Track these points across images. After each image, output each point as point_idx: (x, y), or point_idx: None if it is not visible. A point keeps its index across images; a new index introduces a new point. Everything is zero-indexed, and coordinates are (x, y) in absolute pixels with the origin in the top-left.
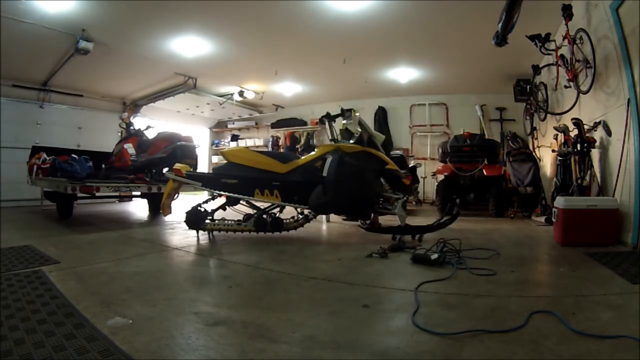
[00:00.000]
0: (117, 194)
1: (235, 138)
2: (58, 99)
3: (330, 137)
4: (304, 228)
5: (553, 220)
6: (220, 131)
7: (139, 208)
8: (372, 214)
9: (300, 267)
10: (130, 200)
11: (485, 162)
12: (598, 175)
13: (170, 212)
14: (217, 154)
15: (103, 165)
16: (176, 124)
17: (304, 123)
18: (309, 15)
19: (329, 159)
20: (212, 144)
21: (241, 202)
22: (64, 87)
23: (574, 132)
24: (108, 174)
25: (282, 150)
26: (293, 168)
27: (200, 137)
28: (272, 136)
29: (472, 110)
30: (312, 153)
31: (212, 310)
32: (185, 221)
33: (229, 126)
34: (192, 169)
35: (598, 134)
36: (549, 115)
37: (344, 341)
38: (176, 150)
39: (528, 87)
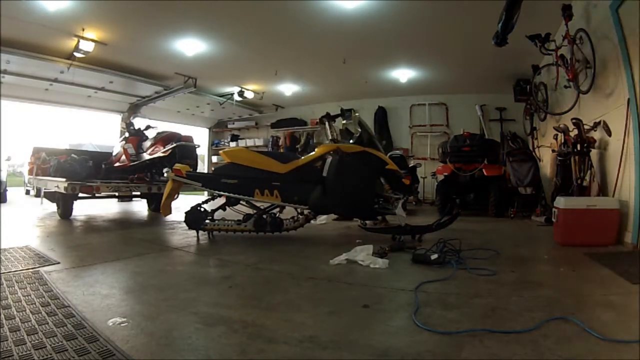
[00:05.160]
0: (117, 194)
1: (235, 138)
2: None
3: (330, 137)
4: (304, 228)
5: (553, 220)
6: (220, 131)
7: (139, 208)
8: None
9: (300, 267)
10: (130, 200)
11: (485, 162)
12: (598, 175)
13: (170, 212)
14: (217, 154)
15: (103, 165)
16: (176, 124)
17: (304, 123)
18: (309, 15)
19: (329, 159)
20: (212, 144)
21: (241, 202)
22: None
23: (574, 132)
24: (108, 174)
25: (282, 150)
26: (293, 168)
27: (200, 137)
28: (272, 136)
29: (472, 110)
30: (312, 153)
31: (212, 310)
32: (185, 221)
33: (229, 126)
34: (192, 169)
35: (598, 134)
36: (548, 115)
37: (344, 341)
38: (176, 151)
39: (528, 87)
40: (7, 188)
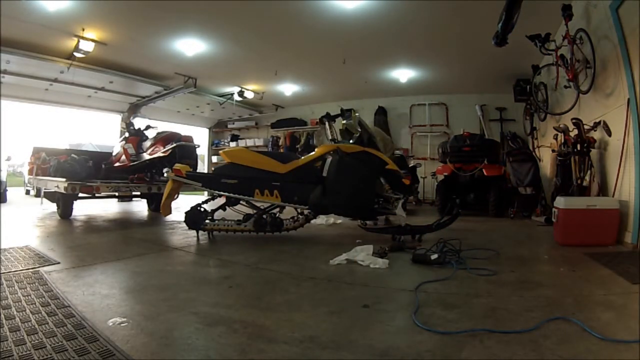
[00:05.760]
0: (117, 194)
1: (235, 138)
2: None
3: (330, 137)
4: (304, 228)
5: (553, 220)
6: (220, 131)
7: (139, 208)
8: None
9: (300, 267)
10: (130, 200)
11: (485, 162)
12: (598, 175)
13: (170, 212)
14: (217, 154)
15: (103, 165)
16: (176, 124)
17: (304, 123)
18: (309, 15)
19: (329, 159)
20: (212, 144)
21: (241, 202)
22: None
23: (574, 132)
24: (108, 174)
25: (282, 150)
26: (293, 168)
27: (200, 137)
28: (272, 136)
29: (472, 110)
30: (312, 153)
31: (212, 310)
32: (185, 221)
33: (229, 126)
34: (192, 169)
35: (598, 134)
36: (549, 115)
37: (344, 341)
38: (176, 151)
39: (528, 87)
40: (7, 188)
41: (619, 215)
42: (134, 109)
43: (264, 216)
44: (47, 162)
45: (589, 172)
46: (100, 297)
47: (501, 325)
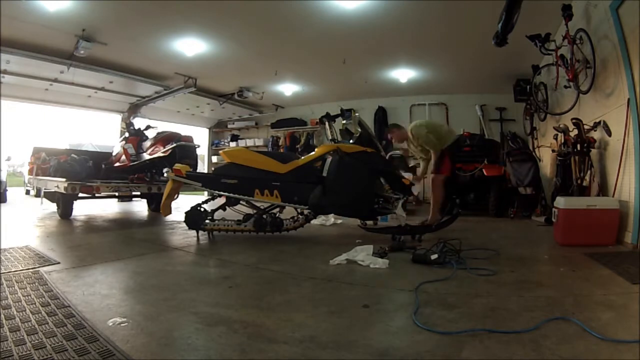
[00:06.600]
0: (117, 194)
1: (235, 138)
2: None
3: (330, 137)
4: (304, 228)
5: (553, 220)
6: (220, 131)
7: (139, 208)
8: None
9: (300, 267)
10: (130, 200)
11: (485, 162)
12: (598, 175)
13: (170, 212)
14: (217, 154)
15: (103, 165)
16: (176, 124)
17: (304, 123)
18: (309, 15)
19: (329, 159)
20: (212, 144)
21: (241, 202)
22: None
23: (574, 132)
24: (108, 174)
25: (282, 150)
26: (293, 168)
27: (200, 137)
28: (272, 136)
29: (472, 110)
30: (312, 153)
31: (212, 310)
32: (185, 221)
33: (229, 126)
34: (192, 169)
35: (598, 134)
36: (549, 115)
37: (344, 341)
38: (176, 150)
39: (528, 87)
40: (7, 188)
41: (619, 215)
42: (134, 109)
43: (264, 216)
44: (47, 162)
45: (589, 172)
46: (100, 297)
47: (501, 325)
